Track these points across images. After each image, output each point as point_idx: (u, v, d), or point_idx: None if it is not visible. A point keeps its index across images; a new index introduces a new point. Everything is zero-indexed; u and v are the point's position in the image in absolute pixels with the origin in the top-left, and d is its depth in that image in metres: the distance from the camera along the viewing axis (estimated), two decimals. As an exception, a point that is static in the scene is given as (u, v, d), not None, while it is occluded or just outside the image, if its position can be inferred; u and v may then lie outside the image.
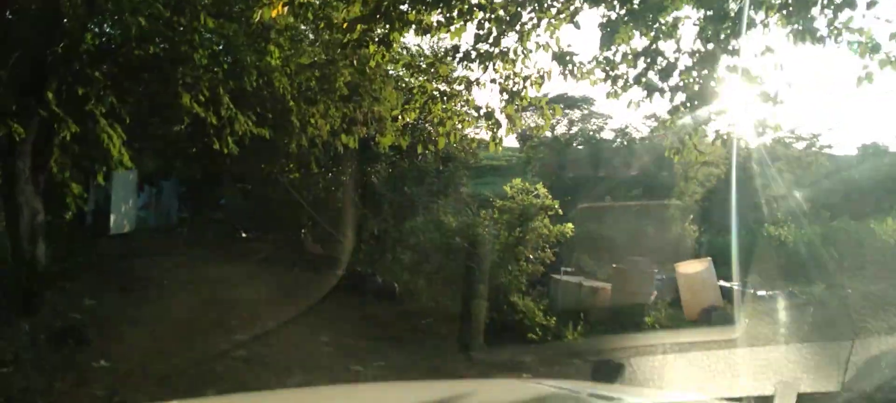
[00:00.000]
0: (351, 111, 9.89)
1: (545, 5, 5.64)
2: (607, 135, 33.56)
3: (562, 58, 5.70)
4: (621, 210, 25.24)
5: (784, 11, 5.41)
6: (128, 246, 13.75)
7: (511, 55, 5.82)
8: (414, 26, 5.45)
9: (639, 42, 5.60)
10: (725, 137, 5.84)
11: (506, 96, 5.99)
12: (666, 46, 5.47)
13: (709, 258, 12.19)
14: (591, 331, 9.38)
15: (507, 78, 5.96)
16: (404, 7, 5.41)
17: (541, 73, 5.92)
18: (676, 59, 5.40)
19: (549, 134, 30.12)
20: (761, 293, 11.54)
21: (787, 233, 16.60)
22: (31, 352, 6.43)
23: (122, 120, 8.06)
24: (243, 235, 15.13)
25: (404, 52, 10.62)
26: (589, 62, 5.91)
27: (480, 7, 5.49)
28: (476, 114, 6.25)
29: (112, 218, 15.19)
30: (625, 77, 5.67)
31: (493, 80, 5.93)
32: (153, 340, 7.27)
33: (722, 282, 12.07)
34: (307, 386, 5.77)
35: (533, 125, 17.46)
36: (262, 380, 6.39)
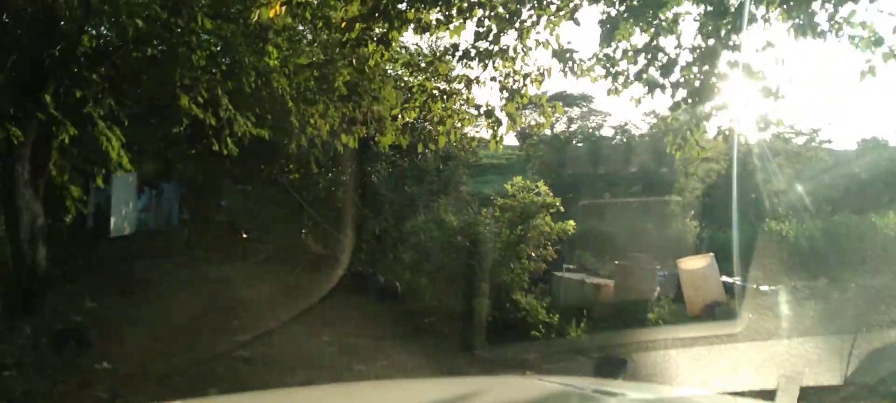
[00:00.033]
0: (350, 111, 9.85)
1: (545, 2, 5.61)
2: (607, 132, 33.65)
3: (562, 55, 5.67)
4: (622, 206, 25.27)
5: (785, 6, 5.38)
6: (128, 249, 13.75)
7: (511, 53, 5.79)
8: (413, 25, 5.42)
9: (639, 38, 5.57)
10: (727, 133, 5.81)
11: (506, 94, 5.96)
12: (666, 42, 5.44)
13: (711, 254, 12.17)
14: (595, 328, 9.39)
15: (507, 76, 5.93)
16: (403, 5, 5.38)
17: (541, 71, 5.89)
18: (677, 55, 5.37)
19: (548, 132, 30.13)
20: (764, 288, 11.52)
21: (789, 228, 16.57)
22: (32, 355, 6.44)
23: (121, 122, 8.03)
24: (244, 236, 15.11)
25: (403, 52, 10.61)
26: (589, 59, 5.89)
27: (480, 4, 5.46)
28: (476, 113, 6.22)
29: (112, 220, 15.17)
30: (625, 74, 5.64)
31: (492, 78, 5.91)
32: (155, 341, 7.26)
33: (724, 278, 12.07)
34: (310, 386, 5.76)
35: (532, 123, 17.41)
36: (264, 381, 6.39)
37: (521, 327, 9.15)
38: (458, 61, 5.76)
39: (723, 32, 5.20)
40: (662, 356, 8.54)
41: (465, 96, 6.21)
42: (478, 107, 6.19)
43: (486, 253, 9.88)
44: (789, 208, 19.74)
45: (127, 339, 7.40)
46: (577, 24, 5.54)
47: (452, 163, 16.04)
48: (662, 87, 5.36)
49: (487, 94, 13.63)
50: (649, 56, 5.38)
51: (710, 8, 5.28)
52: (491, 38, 5.50)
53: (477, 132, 12.05)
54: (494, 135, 6.08)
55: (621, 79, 5.66)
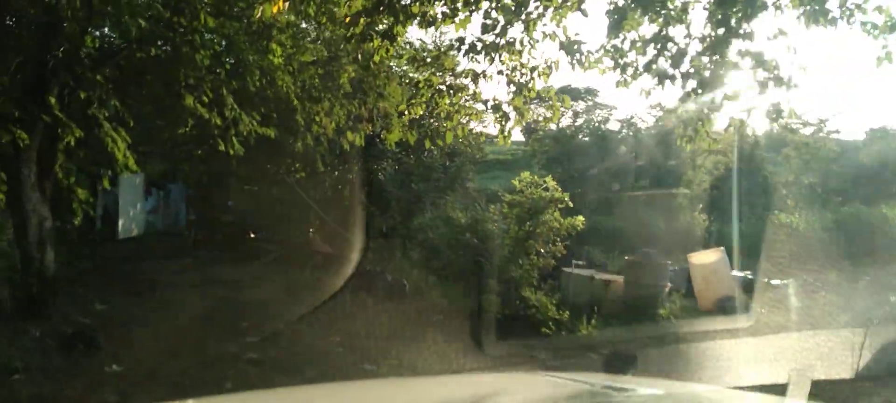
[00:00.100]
0: (356, 108, 9.81)
1: (552, -8, 5.54)
2: (613, 125, 33.53)
3: (569, 47, 5.59)
4: (630, 201, 25.14)
5: (797, -8, 5.30)
6: (136, 250, 13.77)
7: (517, 46, 5.72)
8: (418, 19, 5.35)
9: (647, 29, 5.50)
10: (739, 124, 5.72)
11: (513, 88, 5.89)
12: (676, 32, 5.36)
13: (721, 248, 12.06)
14: (605, 325, 9.31)
15: (514, 69, 5.86)
16: (407, 0, 5.32)
17: (548, 64, 5.82)
18: (687, 45, 5.28)
19: (554, 126, 30.00)
20: (775, 282, 11.44)
21: (798, 220, 16.44)
22: (40, 358, 6.41)
23: (127, 123, 8.01)
24: (251, 236, 15.10)
25: (408, 47, 10.54)
26: (597, 51, 5.81)
27: (486, -4, 5.39)
28: (483, 108, 6.16)
29: (120, 222, 15.20)
30: (634, 65, 5.56)
31: (499, 72, 5.84)
32: (163, 343, 7.23)
33: (735, 272, 11.97)
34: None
35: (538, 118, 17.33)
36: (273, 382, 6.33)
37: (530, 324, 9.09)
38: (464, 55, 5.70)
39: (733, 21, 5.11)
40: (674, 351, 8.47)
41: (471, 91, 6.14)
42: (485, 102, 6.13)
43: (495, 249, 9.82)
44: (798, 200, 19.61)
45: (135, 341, 7.37)
46: (585, 15, 5.48)
47: (459, 159, 15.96)
48: (672, 78, 5.28)
49: (494, 89, 13.60)
50: (658, 46, 5.29)
51: (720, -4, 5.21)
52: (498, 30, 5.42)
53: (485, 127, 11.99)
54: (502, 130, 6.01)
55: (630, 70, 5.58)
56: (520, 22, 5.49)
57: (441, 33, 12.33)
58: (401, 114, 7.01)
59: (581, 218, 10.67)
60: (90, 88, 7.49)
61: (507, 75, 5.84)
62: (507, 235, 10.53)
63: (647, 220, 22.17)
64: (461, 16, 5.34)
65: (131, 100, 9.12)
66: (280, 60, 8.62)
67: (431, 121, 10.17)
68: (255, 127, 8.91)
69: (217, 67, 8.46)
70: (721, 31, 5.22)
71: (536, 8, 5.48)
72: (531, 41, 5.67)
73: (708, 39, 5.27)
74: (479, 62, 5.73)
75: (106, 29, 8.66)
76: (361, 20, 5.22)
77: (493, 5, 5.35)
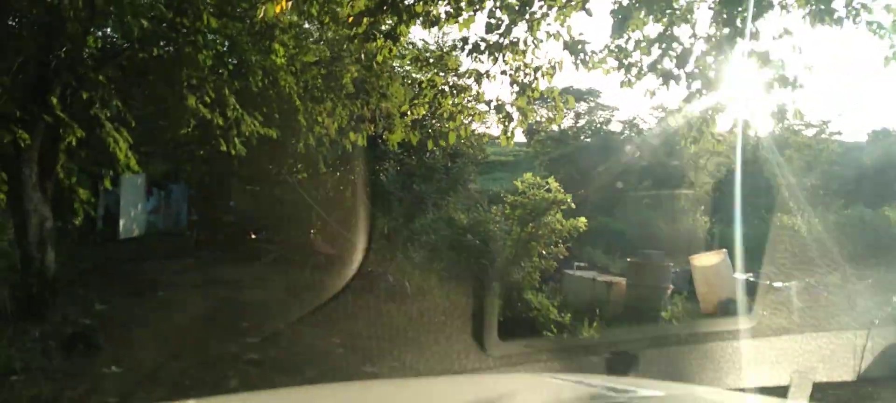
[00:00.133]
0: (358, 108, 9.78)
1: (556, -9, 5.50)
2: (615, 127, 33.45)
3: (573, 47, 5.56)
4: (632, 202, 25.09)
5: (803, -9, 5.26)
6: (138, 250, 13.74)
7: (521, 46, 5.68)
8: (421, 18, 5.32)
9: (652, 28, 5.46)
10: (745, 125, 5.69)
11: (516, 88, 5.85)
12: (681, 32, 5.32)
13: (724, 250, 12.02)
14: (607, 327, 9.26)
15: (518, 69, 5.83)
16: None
17: (552, 64, 5.79)
18: (692, 45, 5.25)
19: (555, 127, 29.95)
20: (777, 284, 11.39)
21: (801, 223, 16.40)
22: (40, 359, 6.37)
23: (128, 123, 7.99)
24: (253, 237, 15.07)
25: (411, 47, 10.52)
26: (600, 51, 5.78)
27: (490, -5, 5.36)
28: (486, 108, 6.12)
29: (122, 222, 15.18)
30: (639, 65, 5.53)
31: (503, 72, 5.81)
32: (164, 344, 7.21)
33: (737, 274, 11.91)
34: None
35: (540, 119, 17.29)
36: (273, 383, 6.30)
37: (532, 326, 9.04)
38: (468, 55, 5.66)
39: (739, 20, 5.08)
40: (676, 353, 8.44)
41: (474, 91, 6.10)
42: (488, 103, 6.09)
43: (497, 251, 9.78)
44: (800, 202, 19.56)
45: (136, 342, 7.34)
46: (589, 14, 5.44)
47: (461, 160, 15.93)
48: (677, 78, 5.25)
49: (498, 89, 13.55)
50: (663, 46, 5.25)
51: (725, -5, 5.17)
52: (502, 29, 5.38)
53: (487, 128, 11.95)
54: (505, 131, 5.98)
55: (635, 70, 5.54)
56: (523, 21, 5.45)
57: (444, 34, 12.33)
58: (403, 114, 6.98)
59: (583, 219, 10.62)
60: (92, 88, 7.47)
61: (510, 75, 5.81)
62: (509, 236, 10.49)
63: (648, 222, 22.14)
64: (465, 15, 5.31)
65: (133, 101, 9.11)
66: (283, 60, 8.60)
67: (433, 121, 10.15)
68: (257, 127, 8.89)
69: (220, 67, 8.44)
70: (726, 30, 5.19)
71: (541, 7, 5.45)
72: (535, 41, 5.65)
73: (713, 39, 5.24)
74: (482, 62, 5.70)
75: (108, 29, 8.64)
76: (364, 20, 5.19)
77: (497, 4, 5.32)
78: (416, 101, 6.24)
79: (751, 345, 8.72)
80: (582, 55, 5.57)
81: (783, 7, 5.20)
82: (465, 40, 5.61)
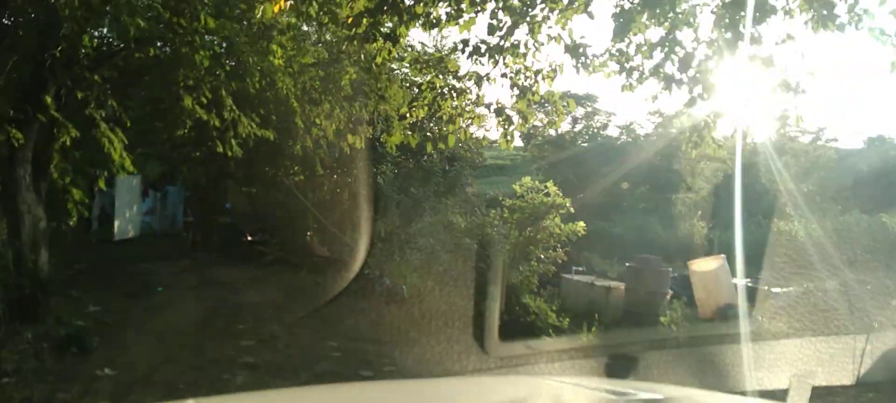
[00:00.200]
0: (357, 110, 9.74)
1: (559, -6, 5.46)
2: (612, 131, 33.49)
3: (574, 50, 5.51)
4: (629, 207, 25.09)
5: (805, -4, 5.23)
6: (133, 252, 13.66)
7: (522, 48, 5.64)
8: (421, 20, 5.27)
9: (654, 32, 5.42)
10: (745, 130, 5.65)
11: (517, 91, 5.80)
12: (683, 36, 5.28)
13: (722, 255, 11.99)
14: (606, 331, 9.22)
15: (518, 72, 5.78)
16: (411, 0, 5.23)
17: (553, 67, 5.74)
18: (694, 49, 5.21)
19: (553, 132, 29.98)
20: (776, 290, 11.37)
21: (799, 228, 16.41)
22: (33, 361, 6.29)
23: (124, 124, 7.93)
24: (249, 239, 15.00)
25: (410, 50, 10.48)
26: (601, 54, 5.73)
27: (493, -3, 5.31)
28: (487, 111, 6.07)
29: (116, 223, 15.10)
30: (640, 69, 5.48)
31: (503, 75, 5.76)
32: (158, 346, 7.13)
33: (735, 279, 11.88)
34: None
35: (538, 124, 17.28)
36: (268, 386, 6.23)
37: (530, 330, 9.00)
38: (467, 57, 5.60)
39: (742, 25, 5.04)
40: (674, 357, 8.41)
41: (474, 94, 6.05)
42: (487, 106, 6.04)
43: (495, 255, 9.72)
44: (798, 207, 19.57)
45: (130, 344, 7.27)
46: (592, 17, 5.39)
47: (458, 164, 15.90)
48: (679, 83, 5.20)
49: (498, 92, 13.54)
50: (666, 50, 5.21)
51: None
52: (504, 31, 5.33)
53: (487, 131, 11.91)
54: (505, 134, 5.93)
55: (636, 74, 5.50)
56: (525, 23, 5.40)
57: (443, 37, 12.30)
58: (402, 117, 6.93)
59: (582, 224, 10.58)
60: (87, 88, 7.41)
61: (510, 78, 5.76)
62: (508, 240, 10.45)
63: (646, 226, 22.14)
64: (466, 17, 5.27)
65: (129, 101, 9.05)
66: (280, 62, 8.56)
67: (431, 125, 10.11)
68: (254, 129, 8.84)
69: (217, 68, 8.38)
70: (728, 35, 5.15)
71: (542, 10, 5.40)
72: (536, 44, 5.60)
73: (715, 44, 5.20)
74: (482, 65, 5.65)
75: (104, 29, 8.57)
76: (364, 21, 5.13)
77: (500, 5, 5.27)
78: (415, 104, 6.18)
79: (750, 350, 8.70)
80: (583, 58, 5.52)
81: (786, 12, 5.16)
82: (465, 42, 5.56)
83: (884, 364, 7.34)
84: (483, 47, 5.48)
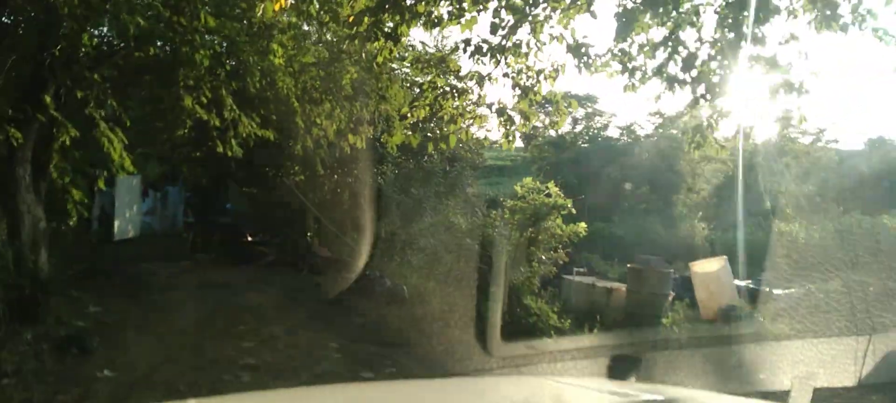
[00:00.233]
0: (357, 110, 9.71)
1: (562, -8, 5.42)
2: (612, 132, 33.45)
3: (576, 50, 5.48)
4: (630, 208, 25.06)
5: (809, -4, 5.20)
6: (133, 252, 13.62)
7: (523, 48, 5.60)
8: (423, 18, 5.24)
9: (657, 32, 5.38)
10: (747, 131, 5.62)
11: (518, 91, 5.77)
12: (687, 36, 5.25)
13: (724, 256, 11.97)
14: (607, 333, 9.20)
15: (520, 72, 5.75)
16: (412, -1, 5.20)
17: (555, 67, 5.70)
18: (698, 49, 5.17)
19: (553, 133, 29.94)
20: (777, 291, 11.35)
21: (800, 229, 16.39)
22: (32, 362, 6.27)
23: (123, 124, 7.90)
24: (249, 239, 14.98)
25: (411, 49, 10.45)
26: (603, 54, 5.70)
27: (495, -5, 5.27)
28: (488, 112, 6.03)
29: (116, 223, 15.05)
30: (643, 69, 5.45)
31: (505, 75, 5.72)
32: (159, 348, 7.11)
33: (737, 281, 11.87)
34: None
35: (539, 125, 17.22)
36: (268, 388, 6.21)
37: (532, 332, 8.97)
38: (469, 57, 5.57)
39: (745, 25, 5.01)
40: (676, 358, 8.39)
41: (476, 94, 6.02)
42: (489, 106, 6.01)
43: (497, 256, 9.68)
44: (798, 208, 19.56)
45: (130, 345, 7.25)
46: (595, 16, 5.35)
47: (459, 165, 15.87)
48: (682, 83, 5.17)
49: (499, 92, 13.48)
50: (669, 50, 5.18)
51: (731, -1, 5.10)
52: (506, 29, 5.30)
53: (489, 131, 11.86)
54: (507, 134, 5.90)
55: (638, 74, 5.46)
56: (527, 23, 5.37)
57: (443, 37, 12.27)
58: (403, 117, 6.90)
59: (583, 225, 10.55)
60: (87, 88, 7.38)
61: (512, 78, 5.73)
62: (509, 241, 10.41)
63: (646, 227, 22.13)
64: (467, 16, 5.23)
65: (129, 101, 9.01)
66: (281, 61, 8.52)
67: (431, 125, 10.08)
68: (254, 129, 8.81)
69: (217, 68, 8.35)
70: (732, 35, 5.12)
71: (544, 9, 5.37)
72: (538, 43, 5.56)
73: (718, 44, 5.16)
74: (484, 64, 5.61)
75: (104, 28, 8.54)
76: (365, 19, 5.10)
77: (502, 4, 5.23)
78: (416, 104, 6.15)
79: (751, 351, 8.69)
80: (585, 58, 5.49)
81: (790, 12, 5.13)
82: (467, 42, 5.52)
83: (886, 365, 7.33)
84: (485, 47, 5.45)
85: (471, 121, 6.27)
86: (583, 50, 5.49)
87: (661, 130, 30.73)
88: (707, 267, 11.51)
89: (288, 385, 6.30)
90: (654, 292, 10.61)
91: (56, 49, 7.14)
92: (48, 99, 7.08)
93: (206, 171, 14.50)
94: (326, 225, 13.48)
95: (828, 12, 5.28)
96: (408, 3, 5.11)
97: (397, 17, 5.14)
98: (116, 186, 14.31)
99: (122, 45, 8.12)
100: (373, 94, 9.83)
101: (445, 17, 5.27)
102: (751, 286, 12.29)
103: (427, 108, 6.05)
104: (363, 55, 6.61)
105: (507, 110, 5.86)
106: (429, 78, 6.24)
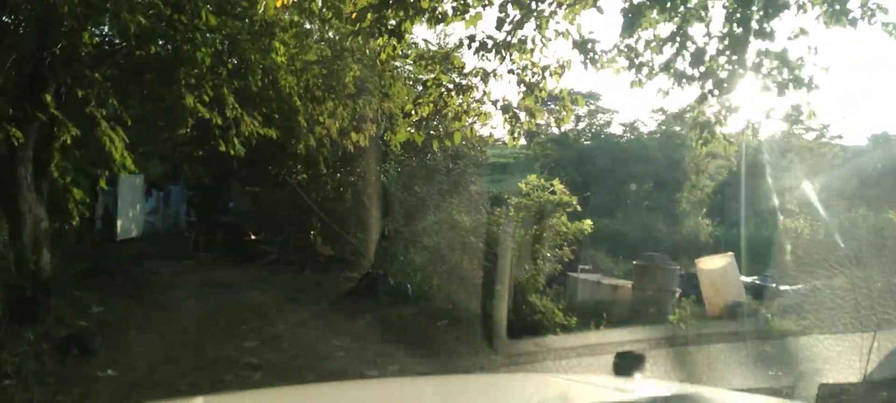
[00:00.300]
0: (360, 108, 9.66)
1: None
2: (615, 129, 33.37)
3: (582, 46, 5.41)
4: (633, 205, 25.00)
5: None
6: (135, 252, 13.60)
7: (529, 44, 5.53)
8: (427, 14, 5.17)
9: (664, 27, 5.31)
10: (756, 126, 5.54)
11: (524, 88, 5.70)
12: (695, 30, 5.17)
13: (730, 253, 11.90)
14: (613, 330, 9.14)
15: (525, 68, 5.67)
16: (417, -6, 5.13)
17: (561, 63, 5.64)
18: (706, 44, 5.10)
19: (556, 130, 29.88)
20: (783, 287, 11.30)
21: (805, 226, 16.31)
22: (33, 363, 6.22)
23: (125, 123, 7.85)
24: (252, 238, 14.95)
25: (414, 46, 10.39)
26: (610, 50, 5.63)
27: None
28: (493, 109, 5.96)
29: (119, 223, 15.05)
30: (650, 64, 5.37)
31: (510, 71, 5.65)
32: (161, 347, 7.08)
33: (742, 277, 11.81)
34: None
35: (541, 123, 17.15)
36: (272, 387, 6.16)
37: (538, 329, 8.90)
38: (474, 53, 5.50)
39: (754, 20, 4.93)
40: (683, 357, 8.33)
41: (481, 91, 5.94)
42: (494, 103, 5.94)
43: (501, 253, 9.61)
44: (803, 204, 19.47)
45: (132, 345, 7.21)
46: (601, 11, 5.27)
47: (462, 162, 15.80)
48: (690, 78, 5.09)
49: (504, 89, 13.35)
50: (676, 45, 5.10)
51: (740, -7, 5.02)
52: (513, 23, 5.22)
53: (494, 128, 11.83)
54: (512, 131, 5.83)
55: (645, 70, 5.39)
56: (532, 18, 5.30)
57: (446, 34, 12.21)
58: (407, 114, 6.84)
59: (589, 222, 10.47)
60: (88, 87, 7.33)
61: (517, 74, 5.66)
62: (513, 239, 10.33)
63: (651, 224, 22.06)
64: (472, 12, 5.16)
65: (130, 100, 8.97)
66: (283, 59, 8.47)
67: (435, 123, 10.02)
68: (256, 127, 8.77)
69: (219, 67, 8.30)
70: (740, 29, 5.04)
71: (550, 5, 5.29)
72: (543, 39, 5.49)
73: (726, 38, 5.09)
74: (489, 61, 5.54)
75: (105, 26, 8.50)
76: (368, 15, 5.04)
77: (508, -1, 5.16)
78: (420, 101, 6.08)
79: (758, 347, 8.66)
80: (591, 54, 5.42)
81: (800, 6, 5.06)
82: (471, 38, 5.45)
83: (890, 362, 7.27)
84: (489, 43, 5.38)
85: (475, 118, 6.20)
86: (589, 46, 5.42)
87: (664, 127, 30.65)
88: (713, 264, 11.43)
89: (291, 385, 6.25)
90: (661, 289, 10.54)
91: (57, 48, 7.09)
92: (49, 98, 7.04)
93: (209, 170, 14.49)
94: (329, 224, 13.43)
95: (837, 6, 5.21)
96: (412, -1, 5.05)
97: (401, 13, 5.07)
98: (119, 185, 14.31)
99: (123, 43, 8.09)
100: (376, 92, 9.77)
101: (450, 12, 5.20)
102: (757, 282, 12.23)
103: (431, 105, 5.98)
104: (366, 52, 6.54)
105: (513, 107, 5.79)
106: (433, 75, 6.17)
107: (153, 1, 7.17)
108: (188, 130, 9.07)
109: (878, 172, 24.47)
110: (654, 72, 5.37)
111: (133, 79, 8.77)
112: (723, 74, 5.25)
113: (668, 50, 5.21)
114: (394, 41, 5.38)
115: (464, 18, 5.23)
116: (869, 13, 5.37)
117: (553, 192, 10.49)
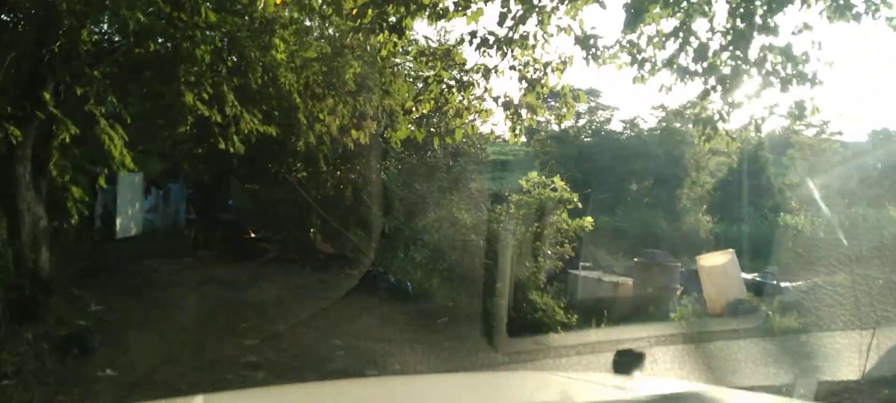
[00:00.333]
0: (361, 105, 9.62)
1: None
2: (615, 126, 33.38)
3: (585, 42, 5.37)
4: (634, 202, 24.99)
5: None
6: (135, 250, 13.57)
7: (530, 40, 5.49)
8: (428, 10, 5.13)
9: (666, 23, 5.27)
10: (760, 122, 5.51)
11: (525, 84, 5.67)
12: (698, 26, 5.14)
13: (731, 250, 11.88)
14: (614, 327, 9.13)
15: (527, 64, 5.64)
16: (417, -9, 5.09)
17: (562, 59, 5.60)
18: (710, 39, 5.06)
19: (556, 127, 29.88)
20: (784, 284, 11.29)
21: (805, 223, 16.30)
22: (33, 363, 6.19)
23: (124, 120, 7.81)
24: (252, 236, 14.91)
25: (414, 43, 10.37)
26: (612, 46, 5.59)
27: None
28: (495, 105, 5.93)
29: (118, 221, 15.01)
30: (652, 60, 5.34)
31: (511, 67, 5.62)
32: (161, 346, 7.04)
33: (743, 274, 11.79)
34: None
35: (541, 120, 17.13)
36: (272, 386, 6.13)
37: (538, 327, 8.89)
38: (475, 50, 5.47)
39: (758, 15, 4.90)
40: (684, 355, 8.32)
41: (482, 88, 5.91)
42: (495, 99, 5.91)
43: (501, 251, 9.59)
44: (803, 201, 19.47)
45: (132, 344, 7.17)
46: (603, 7, 5.24)
47: (462, 159, 15.78)
48: (693, 74, 5.06)
49: (505, 85, 13.38)
50: (680, 41, 5.07)
51: (743, -11, 4.99)
52: (515, 19, 5.19)
53: (495, 124, 11.78)
54: (513, 128, 5.80)
55: (648, 66, 5.35)
56: (535, 13, 5.26)
57: (446, 31, 12.18)
58: (407, 111, 6.81)
59: (589, 219, 10.45)
60: (87, 85, 7.29)
61: (519, 71, 5.63)
62: (514, 236, 10.31)
63: (651, 221, 22.04)
64: (473, 7, 5.12)
65: (130, 98, 8.93)
66: (283, 56, 8.44)
67: (435, 120, 9.99)
68: (256, 125, 8.73)
69: (218, 64, 8.26)
70: (743, 25, 5.00)
71: (552, 1, 5.26)
72: (545, 35, 5.45)
73: (730, 33, 5.05)
74: (490, 57, 5.51)
75: (104, 24, 8.46)
76: (369, 11, 5.00)
77: (510, -7, 5.11)
78: (421, 98, 6.04)
79: (758, 345, 8.65)
80: (593, 50, 5.38)
81: (803, 1, 5.02)
82: (473, 34, 5.41)
83: (889, 359, 7.28)
84: (491, 39, 5.35)
85: (476, 115, 6.17)
86: (591, 41, 5.38)
87: (664, 124, 30.65)
88: (714, 261, 11.41)
89: (291, 383, 6.22)
90: (662, 286, 10.52)
91: (55, 45, 7.05)
92: (48, 96, 7.00)
93: (208, 168, 14.44)
94: (329, 222, 13.40)
95: (841, 1, 5.17)
96: (412, -6, 5.02)
97: (402, 9, 5.04)
98: (118, 184, 14.27)
99: (123, 41, 8.05)
100: (376, 89, 9.74)
101: (451, 8, 5.16)
102: (758, 279, 12.21)
103: (432, 102, 5.95)
104: (367, 49, 6.50)
105: (514, 104, 5.76)
106: (433, 71, 6.13)
107: (152, -3, 7.14)
108: (188, 128, 9.03)
109: (877, 169, 24.47)
110: (656, 67, 5.34)
111: (132, 77, 8.73)
112: (726, 70, 5.22)
113: (671, 45, 5.18)
114: (394, 37, 5.34)
115: (465, 14, 5.19)
116: (873, 8, 5.34)
117: (554, 189, 10.47)
